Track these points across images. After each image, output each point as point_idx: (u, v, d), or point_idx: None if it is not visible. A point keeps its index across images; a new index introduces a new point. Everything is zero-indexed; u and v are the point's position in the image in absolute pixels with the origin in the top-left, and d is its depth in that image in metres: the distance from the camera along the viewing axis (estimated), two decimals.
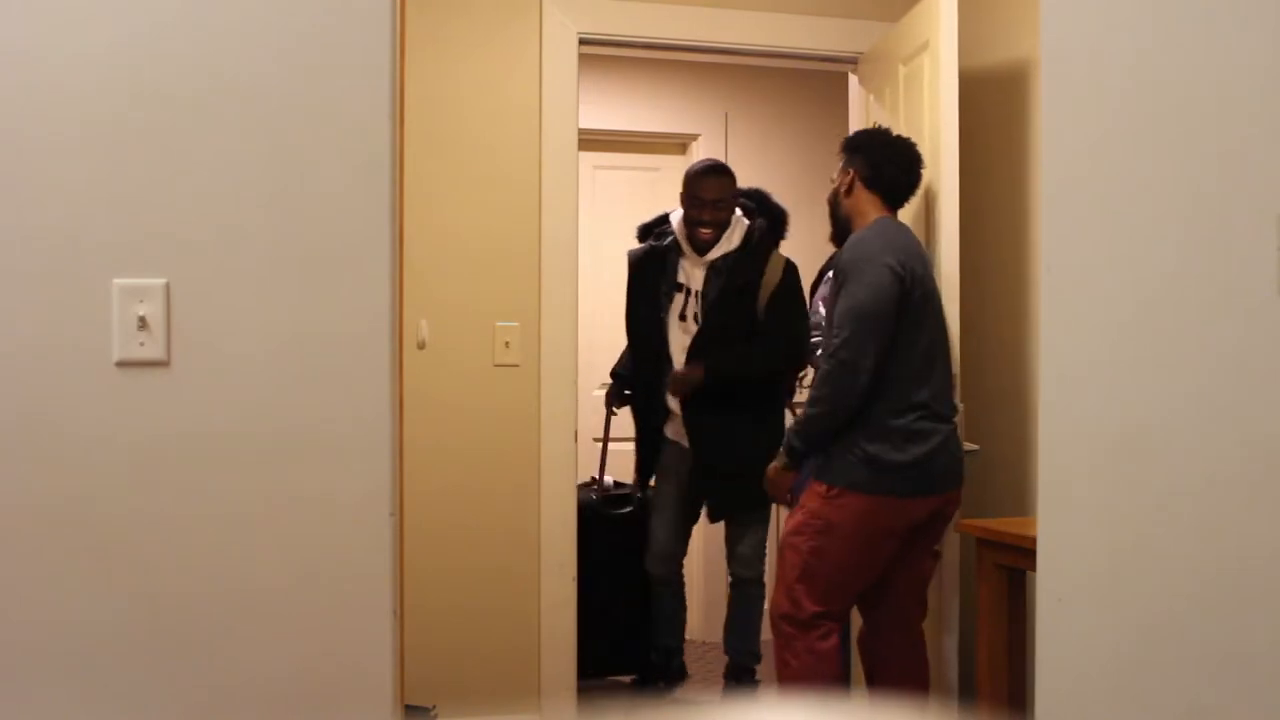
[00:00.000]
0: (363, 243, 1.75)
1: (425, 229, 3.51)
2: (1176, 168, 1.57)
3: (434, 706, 3.26)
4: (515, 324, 3.78)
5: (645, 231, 4.29)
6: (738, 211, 4.06)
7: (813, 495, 3.13)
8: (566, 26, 3.79)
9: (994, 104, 3.71)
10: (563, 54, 3.79)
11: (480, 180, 3.76)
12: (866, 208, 3.23)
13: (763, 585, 4.13)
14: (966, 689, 3.44)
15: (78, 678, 1.69)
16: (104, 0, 1.69)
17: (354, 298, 1.75)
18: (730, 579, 4.20)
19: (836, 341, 3.01)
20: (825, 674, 3.10)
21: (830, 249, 3.49)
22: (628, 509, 4.40)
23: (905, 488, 3.06)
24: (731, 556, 4.12)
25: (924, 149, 3.49)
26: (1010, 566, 3.06)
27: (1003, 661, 3.13)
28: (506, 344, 3.77)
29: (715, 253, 3.99)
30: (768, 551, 4.18)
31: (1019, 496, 3.57)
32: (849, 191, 3.26)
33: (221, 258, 1.71)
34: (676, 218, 4.11)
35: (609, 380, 4.50)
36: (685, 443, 4.03)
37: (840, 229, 3.33)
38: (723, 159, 4.54)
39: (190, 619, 1.71)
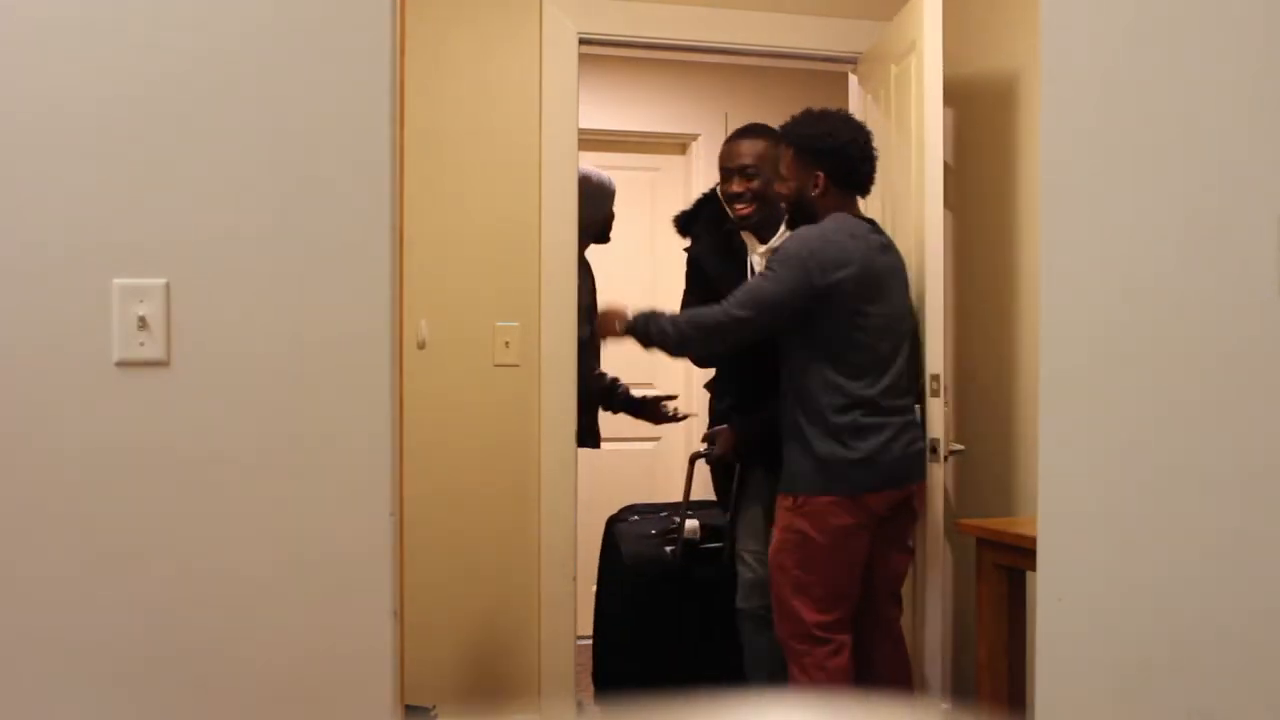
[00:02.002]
0: (363, 242, 1.75)
1: (425, 229, 3.51)
2: (1176, 167, 1.57)
3: (434, 706, 3.26)
4: (515, 324, 3.78)
5: (689, 220, 3.67)
6: None
7: (782, 511, 3.15)
8: (566, 26, 3.79)
9: (984, 110, 3.72)
10: (563, 54, 3.79)
11: (480, 180, 3.76)
12: (838, 204, 3.20)
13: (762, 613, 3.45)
14: (967, 689, 3.44)
15: (77, 678, 1.69)
16: (105, 1, 1.69)
17: (354, 297, 1.75)
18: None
19: (738, 313, 3.06)
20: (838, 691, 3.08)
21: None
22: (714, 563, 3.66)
23: (860, 484, 3.08)
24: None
25: (911, 148, 3.50)
26: (1010, 566, 3.06)
27: (1003, 661, 3.13)
28: (506, 344, 3.77)
29: (773, 240, 3.40)
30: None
31: (1005, 496, 3.58)
32: (823, 193, 3.20)
33: (221, 258, 1.72)
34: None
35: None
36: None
37: (807, 222, 3.25)
38: None
39: (190, 619, 1.71)
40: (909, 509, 3.23)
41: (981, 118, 3.73)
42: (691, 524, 3.76)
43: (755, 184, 3.41)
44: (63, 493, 1.68)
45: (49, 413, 1.68)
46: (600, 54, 4.13)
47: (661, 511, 4.12)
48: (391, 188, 1.77)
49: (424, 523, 3.35)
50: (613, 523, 4.11)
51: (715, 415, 3.69)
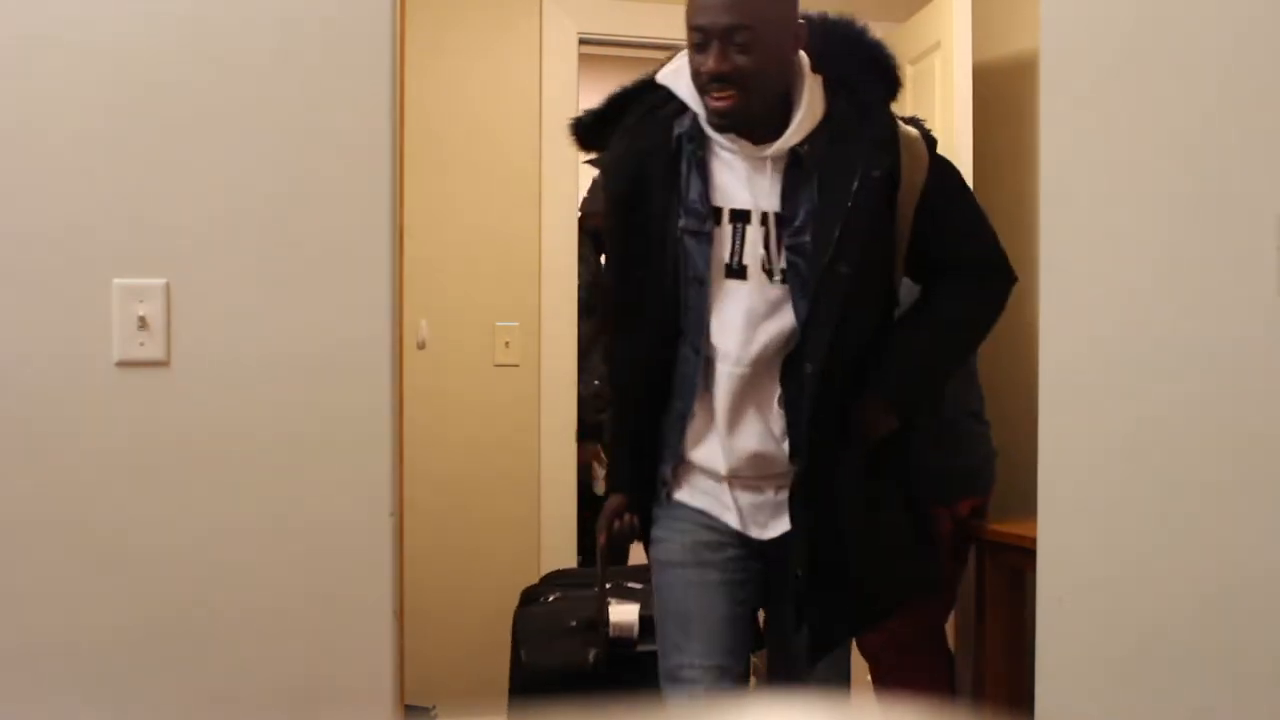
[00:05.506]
0: (363, 242, 1.75)
1: (425, 229, 3.51)
2: (1176, 167, 1.57)
3: (434, 706, 3.25)
4: (515, 324, 3.78)
5: (602, 118, 2.21)
6: (802, 57, 2.05)
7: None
8: (566, 26, 3.79)
9: (1004, 98, 3.69)
10: (563, 54, 3.79)
11: (480, 180, 3.76)
12: None
13: None
14: (969, 689, 3.43)
15: (77, 678, 1.69)
16: (105, 2, 1.69)
17: (354, 297, 1.75)
18: None
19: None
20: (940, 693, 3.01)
21: None
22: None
23: (957, 492, 3.03)
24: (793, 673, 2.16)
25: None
26: (1010, 566, 3.07)
27: (1003, 661, 3.13)
28: (506, 344, 3.78)
29: (789, 138, 2.00)
30: None
31: (1006, 496, 3.56)
32: None
33: (221, 258, 1.72)
34: (686, 85, 2.06)
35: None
36: (728, 518, 2.07)
37: None
38: None
39: (190, 619, 1.71)
40: (979, 515, 3.11)
41: (999, 107, 3.66)
42: (626, 613, 2.62)
43: (750, 59, 1.94)
44: (63, 492, 1.68)
45: (49, 413, 1.68)
46: (600, 54, 4.12)
47: (594, 586, 2.62)
48: (391, 188, 1.77)
49: (424, 523, 3.35)
50: (523, 603, 3.02)
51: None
